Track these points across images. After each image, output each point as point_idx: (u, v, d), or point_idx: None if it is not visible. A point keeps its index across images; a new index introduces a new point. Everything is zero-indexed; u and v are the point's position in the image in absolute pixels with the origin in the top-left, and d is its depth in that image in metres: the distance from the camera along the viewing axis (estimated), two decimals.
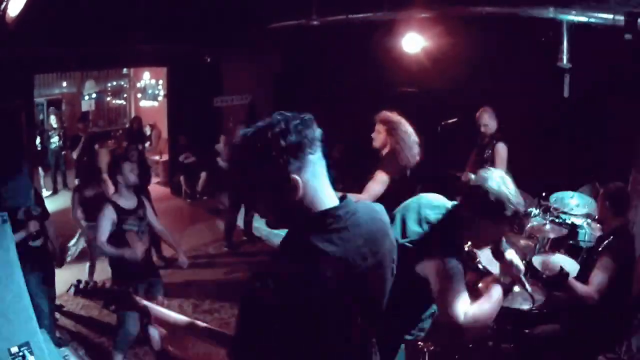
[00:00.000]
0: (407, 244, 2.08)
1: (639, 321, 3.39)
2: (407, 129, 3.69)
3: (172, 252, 6.19)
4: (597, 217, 3.35)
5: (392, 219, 2.28)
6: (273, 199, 1.29)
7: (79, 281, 1.73)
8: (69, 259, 5.23)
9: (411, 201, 2.29)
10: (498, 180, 2.04)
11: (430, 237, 2.07)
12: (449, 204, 2.20)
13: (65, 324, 4.66)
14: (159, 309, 1.67)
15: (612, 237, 3.05)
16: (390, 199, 3.56)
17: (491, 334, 3.22)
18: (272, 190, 1.27)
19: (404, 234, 2.14)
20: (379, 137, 3.76)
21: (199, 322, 1.61)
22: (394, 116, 3.75)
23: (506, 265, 2.18)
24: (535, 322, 3.27)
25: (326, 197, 1.30)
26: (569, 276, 2.95)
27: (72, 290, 1.72)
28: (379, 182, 3.60)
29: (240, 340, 1.22)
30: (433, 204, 2.19)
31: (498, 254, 2.20)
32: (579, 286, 2.94)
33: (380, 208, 1.47)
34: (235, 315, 1.23)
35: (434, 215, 2.14)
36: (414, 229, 2.12)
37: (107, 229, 3.66)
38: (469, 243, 2.19)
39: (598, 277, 2.93)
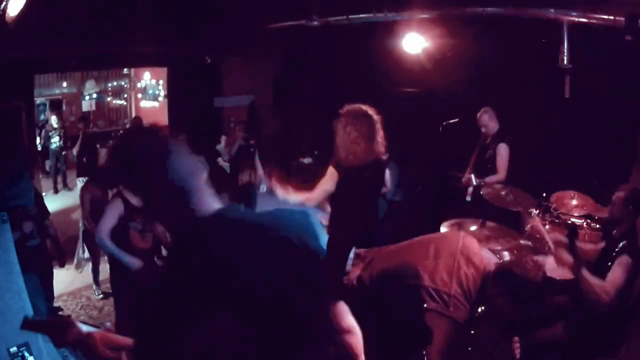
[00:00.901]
0: (430, 289, 2.10)
1: (637, 322, 3.38)
2: (350, 125, 3.40)
3: None
4: (610, 217, 3.31)
5: (427, 246, 2.30)
6: None
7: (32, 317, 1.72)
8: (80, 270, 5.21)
9: (452, 240, 2.29)
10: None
11: (455, 297, 2.09)
12: (484, 262, 2.22)
13: None
14: (105, 335, 1.58)
15: (627, 239, 3.03)
16: (351, 197, 3.56)
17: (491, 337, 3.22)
18: None
19: (432, 275, 2.15)
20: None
21: None
22: (350, 110, 3.48)
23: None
24: (535, 325, 3.27)
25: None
26: (577, 232, 2.91)
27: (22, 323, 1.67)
28: (328, 176, 3.50)
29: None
30: (470, 257, 2.20)
31: None
32: (594, 280, 2.83)
33: (296, 214, 1.42)
34: None
35: (464, 273, 2.15)
36: (444, 276, 2.14)
37: (111, 223, 3.54)
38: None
39: (616, 273, 2.86)
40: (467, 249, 2.25)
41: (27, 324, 1.65)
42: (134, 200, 3.64)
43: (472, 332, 2.21)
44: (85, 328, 1.56)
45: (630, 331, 3.23)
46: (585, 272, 2.87)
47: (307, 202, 3.55)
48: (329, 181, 3.49)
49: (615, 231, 3.19)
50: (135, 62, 9.31)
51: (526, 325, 2.52)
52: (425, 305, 2.08)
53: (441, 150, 5.72)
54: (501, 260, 2.52)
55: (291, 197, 3.54)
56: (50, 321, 1.67)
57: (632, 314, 3.26)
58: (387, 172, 3.88)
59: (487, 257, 2.43)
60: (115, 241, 3.56)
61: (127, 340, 1.54)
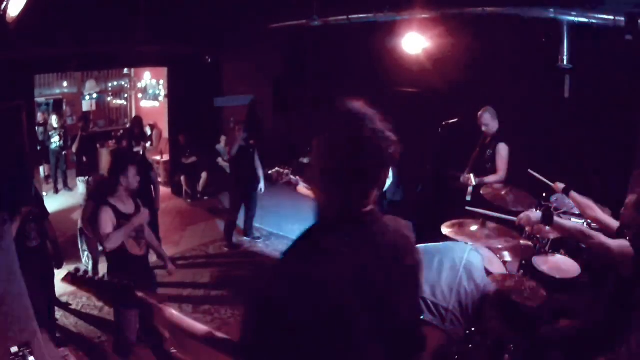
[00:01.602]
0: (429, 302, 2.10)
1: (638, 320, 3.38)
2: None
3: (172, 253, 6.22)
4: (621, 220, 3.31)
5: (431, 256, 2.30)
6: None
7: (77, 269, 1.59)
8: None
9: (456, 253, 2.29)
10: None
11: (452, 312, 2.09)
12: (485, 281, 2.22)
13: (65, 324, 4.66)
14: (164, 309, 1.51)
15: (634, 243, 3.03)
16: None
17: (491, 335, 3.22)
18: None
19: (433, 288, 2.15)
20: None
21: (215, 332, 1.47)
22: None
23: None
24: (536, 323, 3.27)
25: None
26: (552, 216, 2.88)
27: (69, 277, 1.55)
28: None
29: (247, 343, 1.17)
30: (473, 273, 2.22)
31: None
32: (571, 225, 2.81)
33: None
34: (241, 316, 1.18)
35: (464, 289, 2.15)
36: (445, 290, 2.13)
37: (109, 224, 3.44)
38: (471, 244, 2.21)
39: (623, 243, 2.86)
40: (471, 264, 2.26)
41: (75, 279, 1.52)
42: (123, 208, 3.59)
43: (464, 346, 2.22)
44: (143, 295, 1.52)
45: (631, 328, 3.24)
46: (557, 219, 2.85)
47: None
48: None
49: (625, 234, 3.19)
50: (135, 62, 9.30)
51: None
52: (422, 317, 2.09)
53: (441, 150, 5.73)
54: (501, 284, 2.53)
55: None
56: (106, 282, 1.55)
57: (632, 312, 3.27)
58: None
59: (494, 266, 2.44)
60: (113, 251, 3.48)
61: (183, 321, 1.50)
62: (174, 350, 1.43)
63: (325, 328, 1.13)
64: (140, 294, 1.55)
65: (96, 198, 4.89)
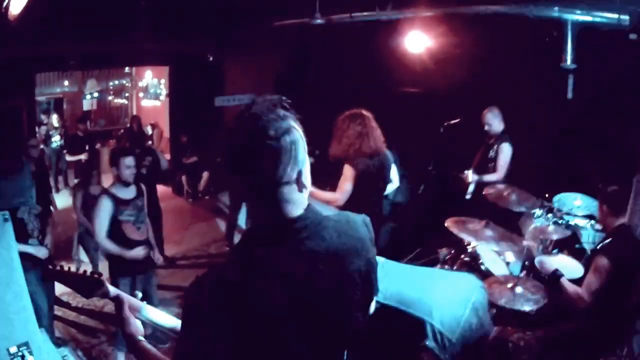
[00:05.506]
0: (436, 329, 2.08)
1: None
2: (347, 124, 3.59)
3: (174, 252, 6.21)
4: (598, 219, 3.33)
5: (445, 283, 2.30)
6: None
7: (53, 264, 1.65)
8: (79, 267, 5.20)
9: (468, 288, 2.28)
10: None
11: (455, 345, 2.08)
12: (489, 322, 2.23)
13: (65, 323, 4.64)
14: (133, 300, 1.58)
15: (610, 238, 3.03)
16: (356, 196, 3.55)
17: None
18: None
19: (442, 316, 2.13)
20: None
21: (167, 321, 1.53)
22: (347, 114, 3.65)
23: None
24: (536, 324, 3.25)
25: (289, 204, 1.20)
26: (560, 278, 2.97)
27: (48, 273, 1.62)
28: (347, 175, 3.49)
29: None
30: (479, 311, 2.22)
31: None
32: (570, 288, 2.96)
33: (361, 222, 1.36)
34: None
35: (470, 325, 2.16)
36: (452, 322, 2.13)
37: (105, 224, 3.61)
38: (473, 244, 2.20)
39: (589, 278, 2.93)
40: (480, 302, 2.25)
41: (53, 274, 1.59)
42: (122, 194, 3.72)
43: None
44: (113, 289, 1.58)
45: (631, 330, 3.22)
46: (564, 281, 2.98)
47: (333, 203, 3.51)
48: (349, 180, 3.47)
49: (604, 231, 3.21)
50: (137, 61, 9.31)
51: None
52: (427, 342, 2.07)
53: (443, 151, 5.71)
54: (499, 332, 2.56)
55: (319, 196, 3.52)
56: (79, 275, 1.59)
57: (633, 315, 3.25)
58: (394, 169, 3.87)
59: (497, 267, 2.43)
60: (112, 237, 3.61)
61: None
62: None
63: (252, 339, 1.09)
64: (109, 286, 1.59)
65: (82, 185, 5.17)
